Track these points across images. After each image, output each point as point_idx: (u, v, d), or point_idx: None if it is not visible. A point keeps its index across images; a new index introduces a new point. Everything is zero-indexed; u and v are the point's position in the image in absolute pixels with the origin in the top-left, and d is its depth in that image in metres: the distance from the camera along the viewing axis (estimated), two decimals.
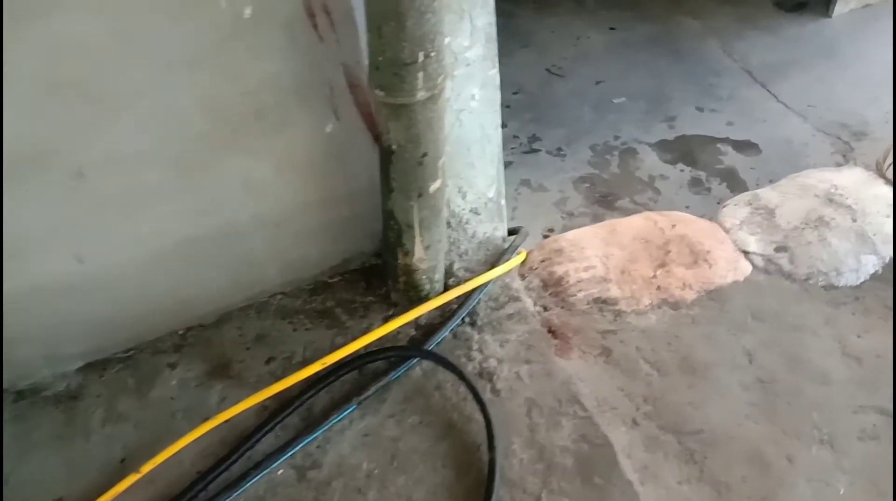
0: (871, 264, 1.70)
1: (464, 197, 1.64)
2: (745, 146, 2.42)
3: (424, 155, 1.30)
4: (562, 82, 2.87)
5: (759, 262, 1.73)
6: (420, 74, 1.17)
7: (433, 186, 1.37)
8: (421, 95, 1.20)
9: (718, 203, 2.25)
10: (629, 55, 2.97)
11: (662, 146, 2.48)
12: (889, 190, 1.86)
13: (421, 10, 1.10)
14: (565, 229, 2.22)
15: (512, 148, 2.57)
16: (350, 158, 1.47)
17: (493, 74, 1.42)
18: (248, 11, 1.19)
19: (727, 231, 1.81)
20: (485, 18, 1.31)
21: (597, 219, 2.24)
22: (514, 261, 1.69)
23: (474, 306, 1.60)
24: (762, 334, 1.58)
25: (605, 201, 2.30)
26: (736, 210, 1.88)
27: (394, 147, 1.30)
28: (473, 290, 1.59)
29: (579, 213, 2.27)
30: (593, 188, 2.36)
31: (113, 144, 1.24)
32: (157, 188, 1.35)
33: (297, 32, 1.25)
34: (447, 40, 1.33)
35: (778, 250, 1.74)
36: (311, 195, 1.51)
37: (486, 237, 1.74)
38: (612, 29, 3.14)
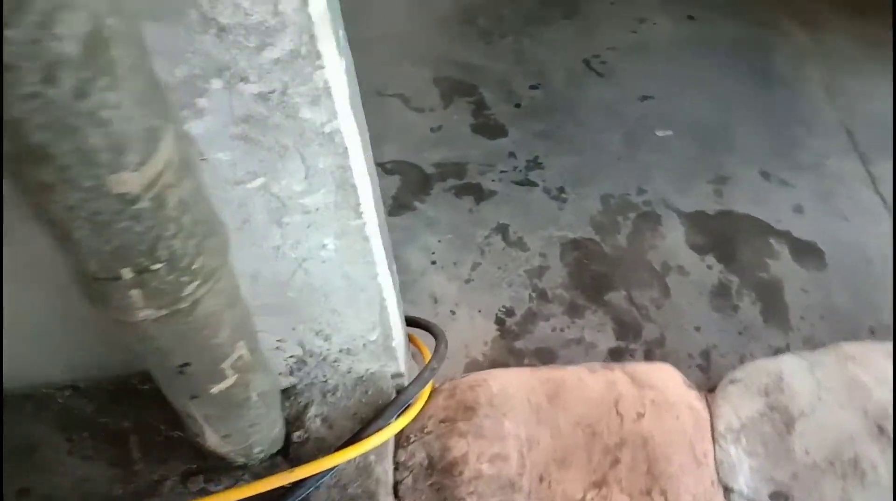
0: None
1: (327, 339, 1.11)
2: (806, 252, 1.77)
3: (185, 365, 0.78)
4: (599, 84, 2.17)
5: None
6: (134, 292, 0.63)
7: (216, 388, 0.85)
8: (147, 314, 0.66)
9: (740, 333, 1.65)
10: (699, 64, 2.22)
11: (697, 221, 1.83)
12: None
13: (101, 222, 0.54)
14: (527, 316, 1.67)
15: (503, 171, 1.96)
16: None
17: (358, 224, 0.84)
18: None
19: (716, 439, 1.25)
20: (331, 160, 0.73)
21: (573, 311, 1.68)
22: (393, 429, 1.18)
23: (308, 495, 1.12)
24: None
25: (594, 286, 1.72)
26: (744, 397, 1.31)
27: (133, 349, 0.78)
28: (308, 478, 1.10)
29: (554, 296, 1.70)
30: (585, 263, 1.76)
31: None
32: None
33: None
34: (259, 181, 0.76)
35: (775, 498, 1.19)
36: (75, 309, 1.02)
37: (368, 375, 1.22)
38: (689, 18, 2.35)
